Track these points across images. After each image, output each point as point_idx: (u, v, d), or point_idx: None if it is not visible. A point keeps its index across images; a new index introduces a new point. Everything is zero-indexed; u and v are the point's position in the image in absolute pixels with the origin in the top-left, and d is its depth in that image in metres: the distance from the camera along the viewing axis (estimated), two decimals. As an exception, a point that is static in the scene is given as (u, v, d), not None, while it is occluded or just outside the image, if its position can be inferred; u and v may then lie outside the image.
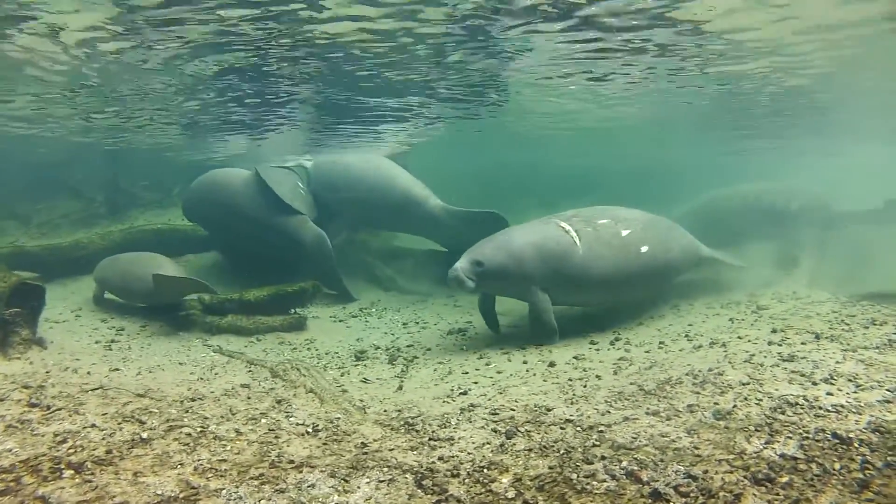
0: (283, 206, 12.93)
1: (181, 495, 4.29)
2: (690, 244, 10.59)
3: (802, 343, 7.27)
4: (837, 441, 4.66)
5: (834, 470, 4.24)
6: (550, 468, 4.57)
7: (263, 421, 5.84)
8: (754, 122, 19.60)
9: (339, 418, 5.97)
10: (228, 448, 5.15)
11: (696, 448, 4.72)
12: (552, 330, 8.98)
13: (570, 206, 10.34)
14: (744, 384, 6.10)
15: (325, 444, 5.31)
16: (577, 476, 4.41)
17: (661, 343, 8.08)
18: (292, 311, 10.99)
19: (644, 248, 9.45)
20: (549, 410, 5.80)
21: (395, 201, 13.46)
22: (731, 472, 4.29)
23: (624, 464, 4.50)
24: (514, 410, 5.88)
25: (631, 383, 6.41)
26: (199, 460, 4.85)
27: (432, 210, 13.32)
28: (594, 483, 4.30)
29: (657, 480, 4.25)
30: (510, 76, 12.32)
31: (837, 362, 6.51)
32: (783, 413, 5.31)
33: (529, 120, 18.65)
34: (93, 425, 5.48)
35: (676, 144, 26.87)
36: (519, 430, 5.35)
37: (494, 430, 5.41)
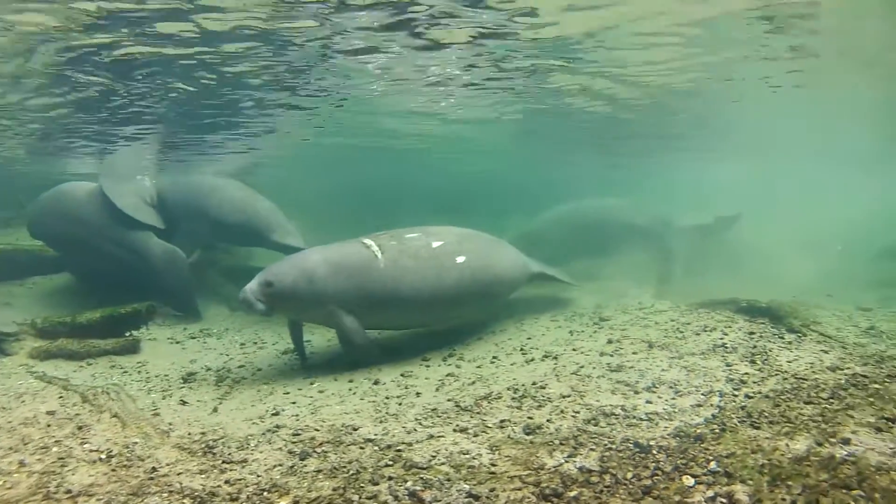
0: (129, 219, 12.11)
1: (-77, 541, 3.80)
2: (517, 259, 10.02)
3: (634, 353, 7.23)
4: (638, 450, 4.51)
5: (625, 479, 4.07)
6: (334, 490, 4.20)
7: (55, 449, 5.33)
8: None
9: (136, 443, 5.46)
10: (2, 483, 4.66)
11: (494, 465, 4.46)
12: (367, 349, 8.34)
13: (439, 221, 9.83)
14: (564, 396, 5.94)
15: (113, 470, 4.87)
16: (359, 498, 4.06)
17: (494, 357, 7.79)
18: (128, 333, 10.28)
19: (459, 259, 8.75)
20: (354, 430, 5.42)
21: (237, 229, 12.78)
22: (520, 489, 4.04)
23: (409, 484, 4.18)
24: (317, 431, 5.47)
25: (448, 400, 6.11)
26: (-37, 500, 4.35)
27: (273, 241, 12.68)
28: (373, 505, 3.98)
29: (439, 500, 3.95)
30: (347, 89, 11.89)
31: (663, 370, 6.49)
32: (596, 425, 5.16)
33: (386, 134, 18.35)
34: None
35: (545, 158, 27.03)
36: (315, 451, 4.96)
37: (290, 452, 5.01)
